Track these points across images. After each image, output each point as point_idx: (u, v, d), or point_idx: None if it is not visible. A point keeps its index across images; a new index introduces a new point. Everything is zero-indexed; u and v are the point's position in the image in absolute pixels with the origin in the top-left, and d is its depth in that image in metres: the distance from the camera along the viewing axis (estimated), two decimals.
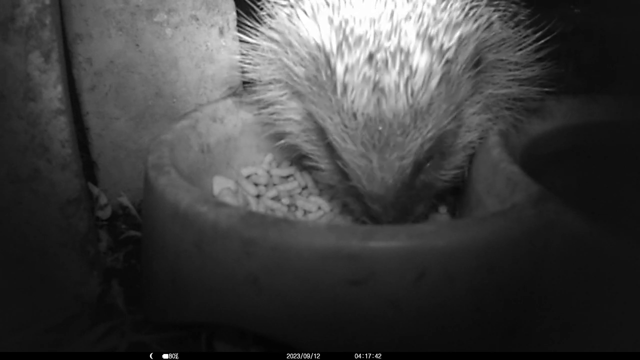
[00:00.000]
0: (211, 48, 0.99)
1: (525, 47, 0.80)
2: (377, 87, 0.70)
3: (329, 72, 0.72)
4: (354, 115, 0.71)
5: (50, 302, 0.84)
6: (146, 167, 0.76)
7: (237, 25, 0.89)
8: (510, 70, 0.80)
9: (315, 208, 0.93)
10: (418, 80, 0.70)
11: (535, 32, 0.80)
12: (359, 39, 0.72)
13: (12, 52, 0.74)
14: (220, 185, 0.89)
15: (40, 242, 0.82)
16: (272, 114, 0.86)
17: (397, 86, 0.70)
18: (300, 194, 0.96)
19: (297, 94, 0.81)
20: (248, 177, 0.95)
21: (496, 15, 0.79)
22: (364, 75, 0.70)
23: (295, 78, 0.78)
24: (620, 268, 0.61)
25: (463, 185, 0.84)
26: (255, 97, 0.88)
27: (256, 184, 0.94)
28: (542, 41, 0.79)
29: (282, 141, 0.88)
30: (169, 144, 0.81)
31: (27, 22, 0.74)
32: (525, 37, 0.80)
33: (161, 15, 0.95)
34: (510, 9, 0.82)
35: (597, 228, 0.62)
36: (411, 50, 0.71)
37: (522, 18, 0.82)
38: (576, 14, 1.24)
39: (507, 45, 0.79)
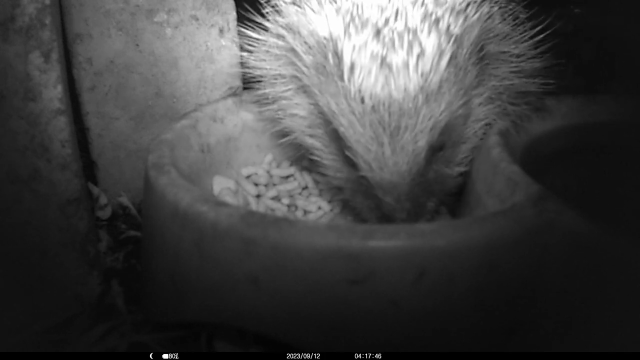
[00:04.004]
0: (211, 48, 0.99)
1: (526, 40, 0.80)
2: (384, 64, 0.69)
3: (336, 59, 0.72)
4: (362, 99, 0.70)
5: (50, 302, 0.84)
6: (146, 167, 0.76)
7: (241, 21, 0.89)
8: (512, 62, 0.80)
9: (315, 208, 0.93)
10: (427, 61, 0.70)
11: (534, 27, 0.80)
12: (366, 21, 0.72)
13: (12, 52, 0.74)
14: (220, 185, 0.89)
15: (40, 242, 0.82)
16: (277, 110, 0.86)
17: (406, 65, 0.69)
18: (300, 194, 0.96)
19: (303, 89, 0.81)
20: (248, 177, 0.95)
21: (496, 9, 0.79)
22: (372, 52, 0.70)
23: (303, 68, 0.78)
24: (620, 267, 0.61)
25: (463, 185, 0.84)
26: (260, 92, 0.87)
27: (256, 184, 0.94)
28: (543, 35, 0.79)
29: (286, 138, 0.88)
30: (169, 143, 0.81)
31: (27, 22, 0.74)
32: (525, 31, 0.80)
33: (161, 15, 0.95)
34: (510, 7, 0.82)
35: (597, 228, 0.62)
36: (419, 30, 0.71)
37: (522, 16, 0.82)
38: (576, 14, 1.24)
39: (509, 38, 0.80)
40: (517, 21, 0.81)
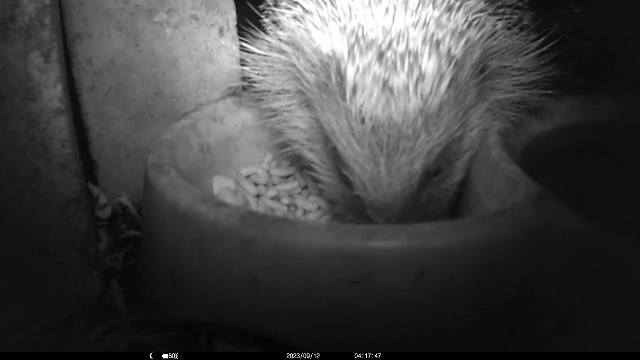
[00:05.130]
0: (211, 48, 0.99)
1: (528, 53, 0.80)
2: (386, 87, 0.69)
3: (339, 79, 0.72)
4: (363, 119, 0.70)
5: (50, 302, 0.84)
6: (146, 167, 0.76)
7: (245, 36, 0.89)
8: (514, 76, 0.80)
9: (315, 208, 0.93)
10: (427, 84, 0.70)
11: (538, 38, 0.80)
12: (371, 43, 0.72)
13: (12, 52, 0.74)
14: (220, 185, 0.89)
15: (40, 242, 0.82)
16: (279, 122, 0.86)
17: (407, 88, 0.69)
18: (300, 194, 0.96)
19: (306, 103, 0.81)
20: (248, 177, 0.95)
21: (500, 24, 0.78)
22: (374, 75, 0.70)
23: (306, 85, 0.78)
24: (620, 267, 0.61)
25: (463, 186, 0.84)
26: (264, 107, 0.88)
27: (256, 184, 0.94)
28: (546, 47, 0.79)
29: (287, 149, 0.88)
30: (169, 144, 0.81)
31: (27, 22, 0.74)
32: (529, 43, 0.80)
33: (161, 15, 0.95)
34: (515, 16, 0.82)
35: (597, 228, 0.62)
36: (419, 53, 0.71)
37: (526, 23, 0.82)
38: (576, 14, 1.24)
39: (511, 52, 0.79)
40: (520, 34, 0.80)
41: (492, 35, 0.77)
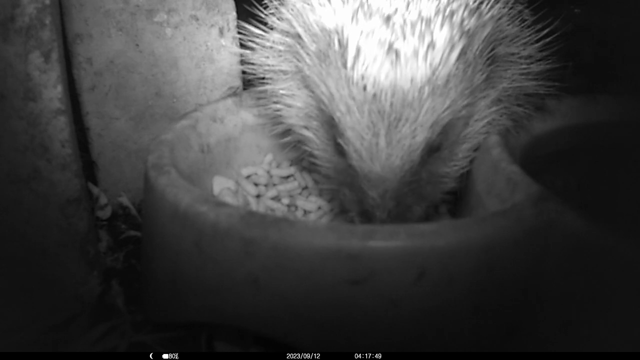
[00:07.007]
0: (211, 48, 0.99)
1: (536, 41, 0.80)
2: (392, 50, 0.68)
3: (340, 47, 0.70)
4: (364, 86, 0.68)
5: (50, 302, 0.84)
6: (146, 167, 0.76)
7: (244, 18, 0.88)
8: (521, 64, 0.79)
9: (315, 208, 0.93)
10: (438, 52, 0.68)
11: (541, 30, 0.80)
12: (376, 10, 0.71)
13: (12, 52, 0.74)
14: (220, 185, 0.89)
15: (40, 242, 0.82)
16: (277, 102, 0.85)
17: (416, 54, 0.68)
18: (300, 194, 0.96)
19: (304, 83, 0.80)
20: (248, 177, 0.95)
21: (505, 10, 0.78)
22: (379, 39, 0.68)
23: (305, 56, 0.76)
24: (620, 268, 0.61)
25: (463, 185, 0.84)
26: (262, 89, 0.87)
27: (256, 184, 0.94)
28: (552, 37, 0.79)
29: (286, 139, 0.87)
30: (169, 144, 0.81)
31: (27, 22, 0.74)
32: (535, 32, 0.80)
33: (161, 15, 0.95)
34: (518, 9, 0.82)
35: (597, 228, 0.62)
36: (432, 21, 0.70)
37: (526, 18, 0.82)
38: (576, 14, 1.24)
39: (518, 39, 0.79)
40: (525, 23, 0.80)
41: (500, 18, 0.76)
